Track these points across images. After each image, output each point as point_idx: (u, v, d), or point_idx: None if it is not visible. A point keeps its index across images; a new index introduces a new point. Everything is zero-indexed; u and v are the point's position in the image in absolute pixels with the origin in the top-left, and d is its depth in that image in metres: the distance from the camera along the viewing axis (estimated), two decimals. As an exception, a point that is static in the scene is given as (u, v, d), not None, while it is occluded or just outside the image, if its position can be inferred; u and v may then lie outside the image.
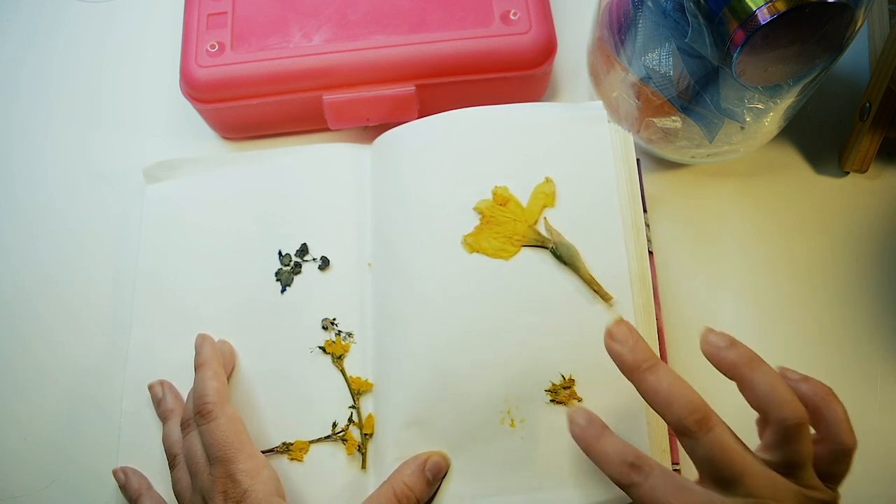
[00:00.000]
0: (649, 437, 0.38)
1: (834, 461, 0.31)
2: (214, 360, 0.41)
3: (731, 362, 0.31)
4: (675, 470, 0.39)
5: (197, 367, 0.41)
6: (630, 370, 0.32)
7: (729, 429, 0.31)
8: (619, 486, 0.31)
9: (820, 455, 0.31)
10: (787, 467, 0.30)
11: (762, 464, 0.30)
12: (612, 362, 0.40)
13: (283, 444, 0.42)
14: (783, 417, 0.30)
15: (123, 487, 0.42)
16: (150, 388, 0.43)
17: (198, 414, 0.38)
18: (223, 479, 0.36)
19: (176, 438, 0.41)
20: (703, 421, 0.30)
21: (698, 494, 0.29)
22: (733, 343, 0.31)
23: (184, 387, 0.43)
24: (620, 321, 0.33)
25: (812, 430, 0.31)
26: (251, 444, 0.38)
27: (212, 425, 0.38)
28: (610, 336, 0.32)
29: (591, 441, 0.32)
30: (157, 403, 0.43)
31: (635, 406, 0.39)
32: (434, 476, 0.38)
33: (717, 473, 0.30)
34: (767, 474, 0.29)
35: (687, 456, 0.42)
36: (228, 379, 0.43)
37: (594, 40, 0.49)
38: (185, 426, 0.40)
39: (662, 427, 0.39)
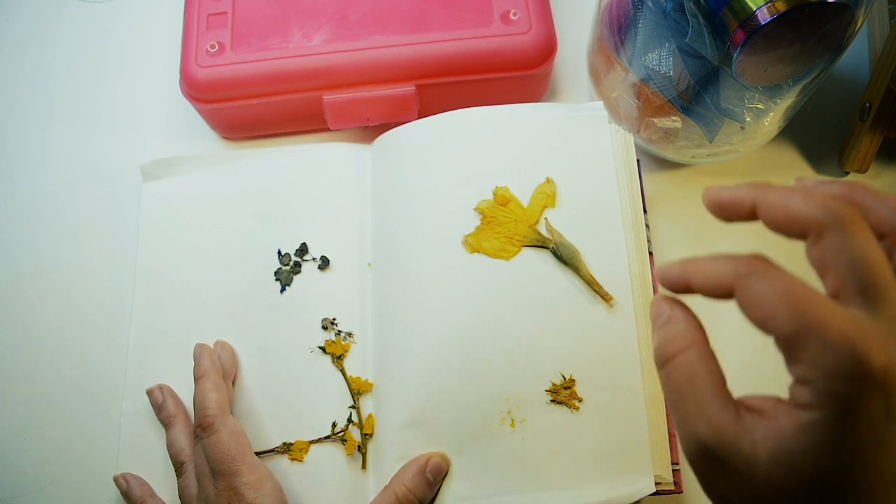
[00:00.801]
0: (649, 437, 0.38)
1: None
2: (213, 370, 0.41)
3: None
4: (675, 471, 0.39)
5: (196, 379, 0.41)
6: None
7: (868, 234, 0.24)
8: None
9: None
10: None
11: None
12: (612, 362, 0.40)
13: (284, 444, 0.42)
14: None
15: (125, 494, 0.42)
16: (149, 392, 0.43)
17: (199, 427, 0.39)
18: (227, 492, 0.36)
19: (182, 446, 0.41)
20: (853, 215, 0.24)
21: (831, 306, 0.23)
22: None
23: (184, 388, 0.43)
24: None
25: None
26: (254, 456, 0.38)
27: (213, 438, 0.38)
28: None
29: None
30: (158, 409, 0.43)
31: (635, 406, 0.39)
32: (435, 477, 0.38)
33: (865, 281, 0.23)
34: None
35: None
36: (234, 382, 0.43)
37: (594, 40, 0.49)
38: (193, 435, 0.40)
39: (662, 427, 0.39)
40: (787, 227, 0.25)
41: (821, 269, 0.24)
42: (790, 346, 0.23)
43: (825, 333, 0.22)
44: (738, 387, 0.27)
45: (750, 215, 0.27)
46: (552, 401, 0.39)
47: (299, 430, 0.42)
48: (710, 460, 0.24)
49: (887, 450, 0.22)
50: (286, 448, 0.41)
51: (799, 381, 0.23)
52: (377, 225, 0.46)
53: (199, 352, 0.43)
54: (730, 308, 0.28)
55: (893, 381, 0.22)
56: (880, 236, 0.25)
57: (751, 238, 0.49)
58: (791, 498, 0.23)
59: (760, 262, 0.25)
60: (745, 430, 0.24)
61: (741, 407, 0.25)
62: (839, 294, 0.24)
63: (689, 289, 0.28)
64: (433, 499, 0.39)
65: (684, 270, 0.28)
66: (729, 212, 0.28)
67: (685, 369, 0.26)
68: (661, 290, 0.28)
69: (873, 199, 0.26)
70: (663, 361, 0.27)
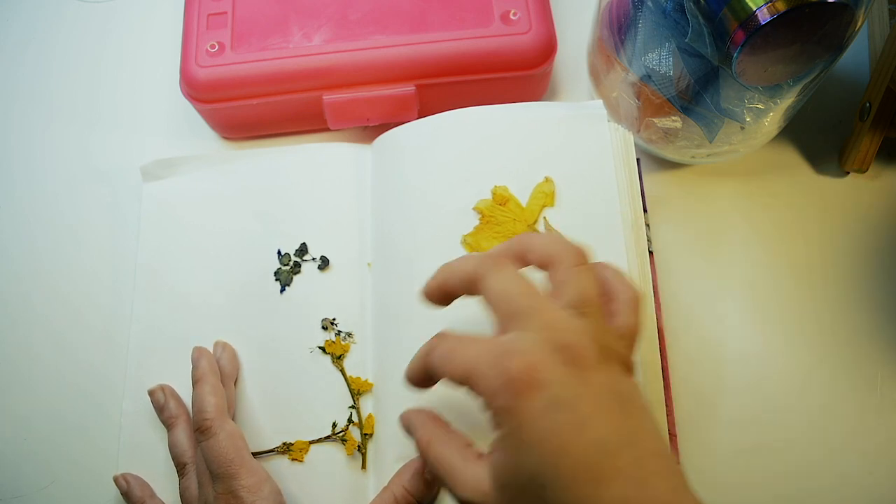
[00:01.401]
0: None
1: (623, 312, 0.32)
2: (211, 374, 0.41)
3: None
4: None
5: (194, 382, 0.41)
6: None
7: (521, 275, 0.31)
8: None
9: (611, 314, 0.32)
10: (581, 305, 0.30)
11: (553, 303, 0.30)
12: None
13: (284, 444, 0.42)
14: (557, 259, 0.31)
15: (125, 495, 0.42)
16: (151, 393, 0.43)
17: (197, 430, 0.39)
18: (225, 495, 0.36)
19: (184, 447, 0.41)
20: (494, 262, 0.31)
21: (485, 341, 0.29)
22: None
23: (185, 387, 0.43)
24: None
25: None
26: (252, 459, 0.38)
27: (211, 442, 0.38)
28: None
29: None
30: (160, 410, 0.43)
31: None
32: (434, 478, 0.38)
33: (509, 308, 0.30)
34: (562, 311, 0.29)
35: (686, 457, 0.42)
36: (235, 383, 0.43)
37: (594, 40, 0.49)
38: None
39: (663, 427, 0.39)
40: (465, 288, 0.32)
41: (487, 309, 0.31)
42: (471, 391, 0.29)
43: (477, 369, 0.28)
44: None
45: (457, 291, 0.33)
46: (552, 401, 0.39)
47: (299, 430, 0.42)
48: None
49: (563, 436, 0.27)
50: (286, 448, 0.41)
51: (486, 413, 0.29)
52: (377, 225, 0.46)
53: (197, 355, 0.43)
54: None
55: (541, 378, 0.27)
56: (543, 268, 0.32)
57: (751, 240, 0.49)
58: None
59: (440, 337, 0.31)
60: (481, 474, 0.29)
61: (480, 456, 0.31)
62: (500, 324, 0.30)
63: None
64: (433, 499, 0.39)
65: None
66: (442, 297, 0.34)
67: (438, 459, 0.32)
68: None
69: (529, 243, 0.32)
70: (423, 456, 0.33)
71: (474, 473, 0.30)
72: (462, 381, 0.29)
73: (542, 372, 0.27)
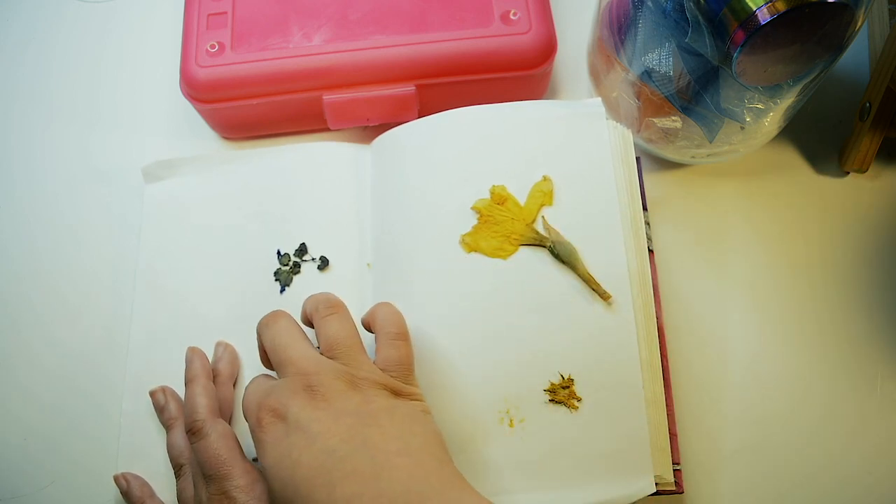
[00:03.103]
0: (650, 437, 0.38)
1: (382, 347, 0.38)
2: (203, 375, 0.41)
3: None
4: (676, 471, 0.39)
5: (186, 383, 0.41)
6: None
7: (290, 325, 0.37)
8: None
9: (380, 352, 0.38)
10: (329, 350, 0.36)
11: (310, 349, 0.36)
12: (611, 361, 0.40)
13: None
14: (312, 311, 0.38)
15: (125, 494, 0.42)
16: (152, 394, 0.43)
17: (188, 431, 0.39)
18: (218, 496, 0.36)
19: (182, 448, 0.41)
20: (275, 314, 0.38)
21: (258, 384, 0.36)
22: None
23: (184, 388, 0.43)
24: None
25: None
26: (244, 459, 0.38)
27: (203, 443, 0.38)
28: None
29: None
30: (160, 411, 0.43)
31: (635, 405, 0.39)
32: None
33: (274, 358, 0.36)
34: (314, 356, 0.35)
35: (687, 456, 0.43)
36: (235, 384, 0.43)
37: (594, 40, 0.49)
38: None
39: (663, 426, 0.39)
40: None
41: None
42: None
43: (246, 408, 0.35)
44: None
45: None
46: (551, 400, 0.39)
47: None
48: None
49: (294, 452, 0.32)
50: None
51: None
52: (377, 225, 0.46)
53: (191, 356, 0.43)
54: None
55: (283, 412, 0.33)
56: (308, 324, 0.39)
57: (751, 240, 0.49)
58: None
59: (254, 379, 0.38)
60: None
61: None
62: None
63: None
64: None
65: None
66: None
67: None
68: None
69: (303, 303, 0.40)
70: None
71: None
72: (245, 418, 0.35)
73: (284, 407, 0.33)
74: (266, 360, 0.38)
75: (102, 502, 0.44)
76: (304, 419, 0.33)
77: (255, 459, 0.39)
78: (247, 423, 0.35)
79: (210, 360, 0.44)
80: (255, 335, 0.44)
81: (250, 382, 0.37)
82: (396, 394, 0.35)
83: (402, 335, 0.38)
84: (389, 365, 0.37)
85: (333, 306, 0.38)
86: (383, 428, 0.33)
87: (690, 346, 0.46)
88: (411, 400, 0.36)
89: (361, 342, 0.37)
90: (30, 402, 0.47)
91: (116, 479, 0.42)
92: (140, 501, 0.41)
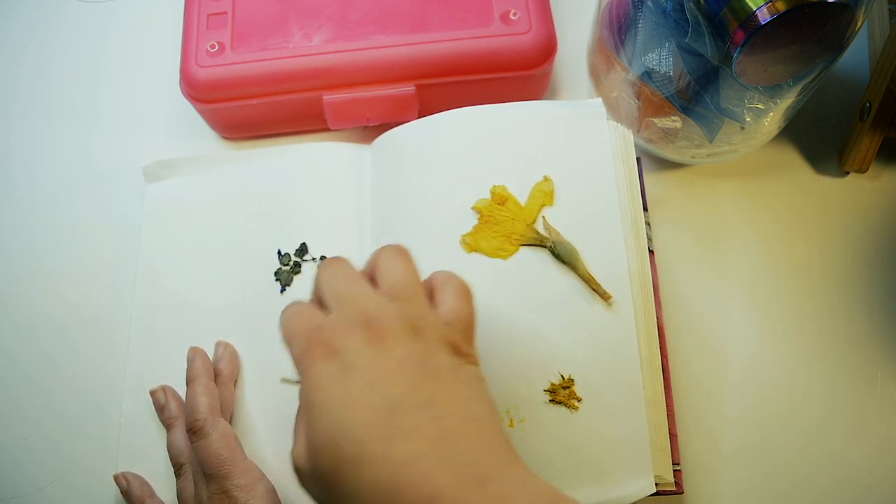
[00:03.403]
0: (650, 437, 0.38)
1: (447, 298, 0.33)
2: (205, 374, 0.41)
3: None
4: (676, 471, 0.39)
5: (188, 382, 0.41)
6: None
7: (350, 267, 0.33)
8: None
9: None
10: (392, 290, 0.32)
11: (371, 290, 0.32)
12: (612, 361, 0.40)
13: None
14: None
15: (125, 493, 0.42)
16: (153, 393, 0.43)
17: (189, 431, 0.39)
18: (219, 495, 0.36)
19: (182, 447, 0.41)
20: (335, 258, 0.34)
21: (311, 316, 0.32)
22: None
23: (184, 387, 0.43)
24: None
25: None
26: (245, 458, 0.38)
27: (204, 442, 0.38)
28: None
29: None
30: (161, 410, 0.43)
31: (635, 405, 0.39)
32: None
33: (329, 293, 0.32)
34: (375, 295, 0.32)
35: (687, 456, 0.42)
36: (235, 384, 0.43)
37: (594, 40, 0.49)
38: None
39: (663, 426, 0.39)
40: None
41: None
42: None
43: (293, 337, 0.32)
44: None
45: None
46: (551, 400, 0.39)
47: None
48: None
49: (351, 394, 0.29)
50: None
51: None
52: (377, 225, 0.46)
53: (192, 355, 0.43)
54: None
55: (337, 347, 0.30)
56: (371, 274, 0.34)
57: (751, 240, 0.49)
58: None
59: (292, 303, 0.33)
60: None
61: None
62: (325, 307, 0.32)
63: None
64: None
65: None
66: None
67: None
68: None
69: (371, 257, 0.35)
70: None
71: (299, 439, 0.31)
72: (285, 344, 0.32)
73: (338, 342, 0.30)
74: (318, 301, 0.34)
75: (102, 502, 0.44)
76: (362, 360, 0.29)
77: (296, 382, 0.38)
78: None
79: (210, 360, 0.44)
80: (256, 336, 0.44)
81: (289, 309, 0.33)
82: (457, 352, 0.32)
83: (468, 292, 0.34)
84: (453, 319, 0.33)
85: (401, 251, 0.34)
86: (449, 388, 0.29)
87: (690, 346, 0.46)
88: (470, 364, 0.32)
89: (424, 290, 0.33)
90: (30, 401, 0.47)
91: (116, 478, 0.42)
92: (140, 501, 0.41)
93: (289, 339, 0.32)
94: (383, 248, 0.34)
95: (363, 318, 0.30)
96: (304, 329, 0.31)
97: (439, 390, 0.29)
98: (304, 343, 0.31)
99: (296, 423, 0.31)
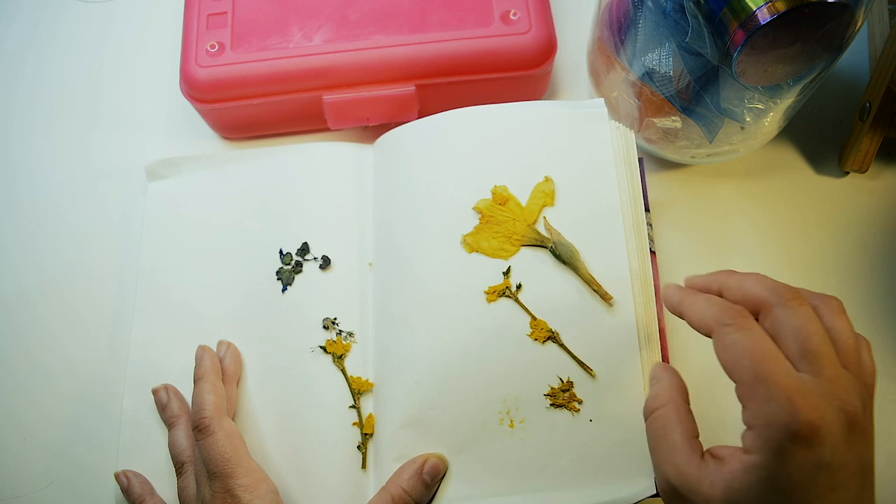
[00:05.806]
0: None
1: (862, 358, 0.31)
2: (213, 373, 0.41)
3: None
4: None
5: (195, 381, 0.41)
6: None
7: (763, 337, 0.29)
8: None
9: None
10: (845, 361, 0.29)
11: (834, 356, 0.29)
12: (612, 362, 0.40)
13: None
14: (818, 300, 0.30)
15: (126, 492, 0.42)
16: (155, 392, 0.43)
17: (195, 429, 0.39)
18: (222, 494, 0.36)
19: (183, 446, 0.41)
20: (794, 294, 0.29)
21: (783, 365, 0.28)
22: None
23: (185, 386, 0.43)
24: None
25: None
26: (249, 458, 0.38)
27: (209, 440, 0.38)
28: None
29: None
30: (162, 409, 0.43)
31: (636, 408, 0.39)
32: (432, 479, 0.38)
33: (804, 346, 0.28)
34: (838, 366, 0.28)
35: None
36: (238, 383, 0.43)
37: (594, 40, 0.49)
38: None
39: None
40: (745, 304, 0.30)
41: (774, 339, 0.29)
42: (744, 393, 0.28)
43: (770, 386, 0.27)
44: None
45: (724, 296, 0.32)
46: (552, 405, 0.39)
47: (300, 430, 0.42)
48: (675, 497, 0.30)
49: (814, 493, 0.27)
50: None
51: (747, 427, 0.28)
52: (378, 225, 0.46)
53: (201, 354, 0.43)
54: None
55: (821, 436, 0.27)
56: (753, 310, 0.30)
57: (751, 240, 0.49)
58: None
59: (741, 316, 0.30)
60: (705, 473, 0.29)
61: (707, 454, 0.30)
62: (790, 359, 0.28)
63: (682, 317, 0.33)
64: (431, 499, 0.39)
65: (680, 302, 0.33)
66: (697, 298, 0.33)
67: (661, 422, 0.32)
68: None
69: (726, 282, 0.32)
70: (647, 414, 0.33)
71: (700, 473, 0.29)
72: (744, 380, 0.28)
73: (824, 432, 0.27)
74: (702, 329, 0.31)
75: (102, 502, 0.44)
76: (834, 459, 0.27)
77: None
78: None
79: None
80: (257, 335, 0.44)
81: (743, 321, 0.29)
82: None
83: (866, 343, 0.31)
84: (871, 384, 0.30)
85: (800, 296, 0.29)
86: (869, 492, 0.29)
87: (691, 347, 0.46)
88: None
89: None
90: (30, 402, 0.47)
91: (117, 476, 0.42)
92: (140, 499, 0.41)
93: (759, 381, 0.28)
94: (776, 289, 0.30)
95: (840, 400, 0.27)
96: (783, 382, 0.27)
97: (866, 498, 0.28)
98: (785, 407, 0.27)
99: (672, 435, 0.30)
